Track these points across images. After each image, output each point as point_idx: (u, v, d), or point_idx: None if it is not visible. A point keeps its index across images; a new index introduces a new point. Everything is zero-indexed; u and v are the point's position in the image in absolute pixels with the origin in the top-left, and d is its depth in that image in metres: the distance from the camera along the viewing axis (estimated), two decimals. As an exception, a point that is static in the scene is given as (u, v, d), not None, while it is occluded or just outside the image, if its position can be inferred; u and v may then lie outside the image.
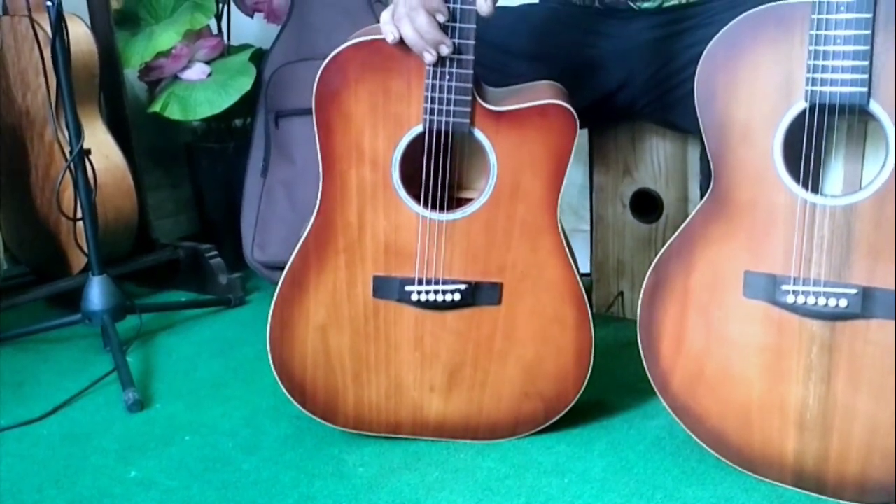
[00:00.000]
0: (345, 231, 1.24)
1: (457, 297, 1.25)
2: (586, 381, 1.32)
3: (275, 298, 1.27)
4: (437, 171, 1.21)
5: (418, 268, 1.25)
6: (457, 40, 1.14)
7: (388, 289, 1.26)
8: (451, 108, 1.16)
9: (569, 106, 1.20)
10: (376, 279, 1.26)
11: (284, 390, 1.31)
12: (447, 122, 1.17)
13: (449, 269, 1.25)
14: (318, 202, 1.24)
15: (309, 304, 1.27)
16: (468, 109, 1.17)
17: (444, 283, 1.25)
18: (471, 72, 1.15)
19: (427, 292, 1.25)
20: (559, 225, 1.25)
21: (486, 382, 1.31)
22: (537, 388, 1.32)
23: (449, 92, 1.16)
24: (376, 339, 1.28)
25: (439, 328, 1.28)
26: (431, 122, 1.17)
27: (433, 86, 1.16)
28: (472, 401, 1.32)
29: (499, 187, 1.22)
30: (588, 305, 1.29)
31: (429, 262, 1.25)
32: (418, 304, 1.26)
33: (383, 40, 1.16)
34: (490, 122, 1.19)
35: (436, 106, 1.16)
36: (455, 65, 1.15)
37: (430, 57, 1.13)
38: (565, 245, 1.27)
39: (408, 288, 1.25)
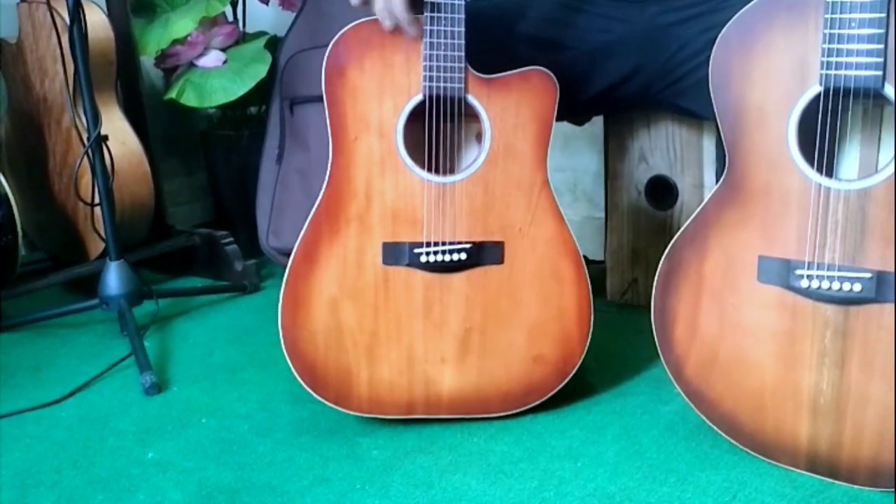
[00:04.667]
0: (354, 200, 1.29)
1: (463, 255, 1.31)
2: (589, 339, 1.37)
3: (286, 275, 1.30)
4: (438, 136, 1.30)
5: (426, 230, 1.30)
6: (443, 15, 1.24)
7: (397, 254, 1.30)
8: (447, 74, 1.26)
9: (548, 71, 1.31)
10: (385, 245, 1.30)
11: (296, 374, 1.31)
12: (444, 88, 1.27)
13: (454, 230, 1.31)
14: (327, 175, 1.29)
15: (321, 278, 1.30)
16: (462, 76, 1.27)
17: (451, 244, 1.30)
18: (462, 42, 1.25)
19: (436, 252, 1.30)
20: (550, 183, 1.34)
21: (494, 349, 1.34)
22: (543, 352, 1.36)
23: (444, 60, 1.26)
24: (386, 309, 1.31)
25: (447, 292, 1.32)
26: (430, 88, 1.27)
27: (430, 56, 1.25)
28: (482, 370, 1.34)
29: (493, 148, 1.31)
30: (583, 260, 1.35)
31: (435, 225, 1.30)
32: (427, 266, 1.30)
33: None
34: (482, 88, 1.29)
35: (433, 73, 1.26)
36: (447, 36, 1.25)
37: (387, 23, 1.24)
38: (557, 202, 1.35)
39: (416, 251, 1.30)
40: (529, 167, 1.32)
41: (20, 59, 1.95)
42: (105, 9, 1.98)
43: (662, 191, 1.75)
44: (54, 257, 2.09)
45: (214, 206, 2.37)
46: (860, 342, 1.12)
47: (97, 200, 1.71)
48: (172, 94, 2.07)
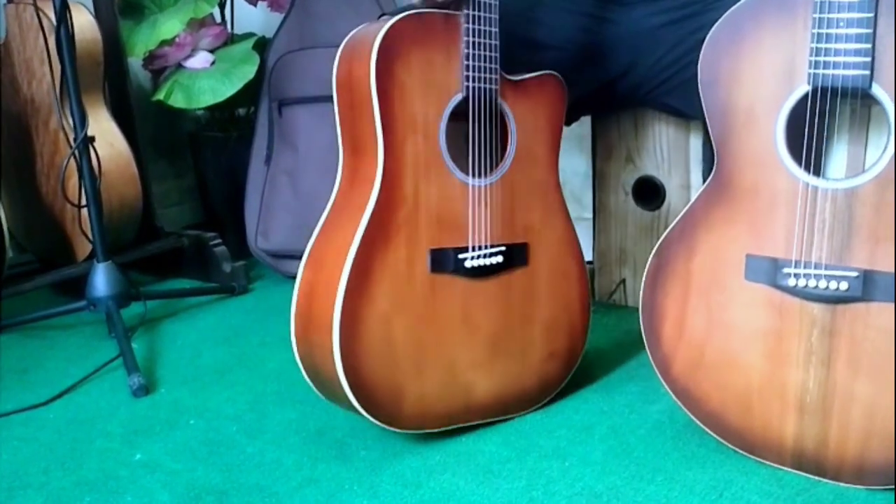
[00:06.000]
0: (403, 205, 1.24)
1: (500, 259, 1.31)
2: (589, 329, 1.41)
3: (342, 292, 1.19)
4: (482, 136, 1.28)
5: (471, 234, 1.28)
6: (482, 14, 1.23)
7: (444, 261, 1.27)
8: (485, 75, 1.26)
9: (560, 76, 1.35)
10: (433, 252, 1.26)
11: (350, 395, 1.21)
12: (484, 89, 1.26)
13: (490, 233, 1.30)
14: (379, 179, 1.22)
15: (374, 292, 1.22)
16: (497, 76, 1.27)
17: (491, 247, 1.30)
18: (497, 42, 1.25)
19: (479, 257, 1.29)
20: (560, 184, 1.38)
21: (517, 350, 1.35)
22: (555, 347, 1.38)
23: (483, 60, 1.25)
24: (433, 320, 1.27)
25: (483, 297, 1.31)
26: (472, 88, 1.25)
27: (471, 55, 1.24)
28: (506, 373, 1.35)
29: (518, 150, 1.32)
30: (583, 256, 1.39)
31: (477, 228, 1.29)
32: (470, 271, 1.29)
33: (426, 13, 1.22)
34: (509, 91, 1.30)
35: (474, 73, 1.25)
36: (485, 35, 1.24)
37: None
38: (565, 202, 1.39)
39: (461, 256, 1.28)
40: (545, 169, 1.35)
41: (7, 61, 1.95)
42: (92, 10, 1.98)
43: (650, 191, 1.76)
44: (42, 259, 2.08)
45: (203, 208, 2.37)
46: (847, 341, 1.13)
47: (84, 202, 1.70)
48: (160, 96, 2.07)
